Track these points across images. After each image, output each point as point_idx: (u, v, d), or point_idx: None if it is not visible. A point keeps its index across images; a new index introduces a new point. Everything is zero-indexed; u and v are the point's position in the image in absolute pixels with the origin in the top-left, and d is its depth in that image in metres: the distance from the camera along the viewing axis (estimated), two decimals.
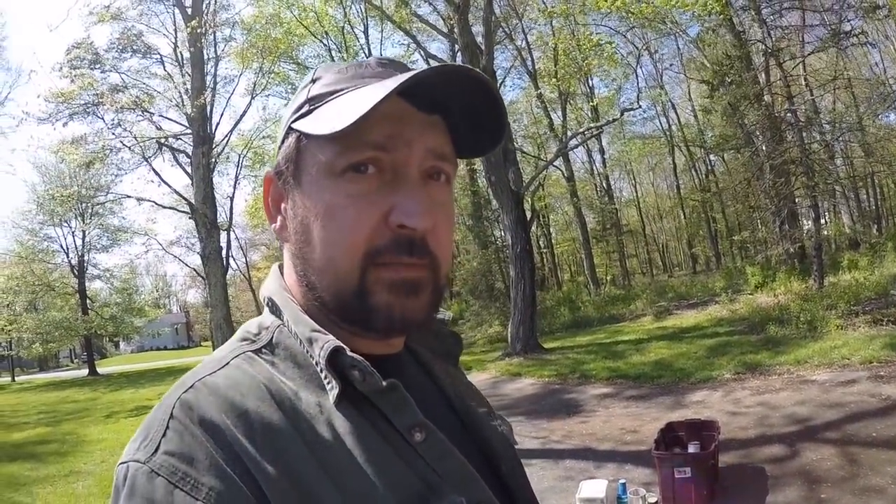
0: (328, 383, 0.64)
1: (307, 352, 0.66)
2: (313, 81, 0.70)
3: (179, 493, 0.54)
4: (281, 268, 0.77)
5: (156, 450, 0.57)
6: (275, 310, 0.71)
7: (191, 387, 0.62)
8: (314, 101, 0.68)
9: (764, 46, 14.44)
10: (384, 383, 0.64)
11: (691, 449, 4.71)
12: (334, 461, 0.60)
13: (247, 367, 0.65)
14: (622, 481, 4.45)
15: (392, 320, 0.65)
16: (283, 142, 0.71)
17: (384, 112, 0.61)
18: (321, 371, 0.64)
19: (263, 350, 0.68)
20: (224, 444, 0.57)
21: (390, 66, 0.70)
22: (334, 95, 0.67)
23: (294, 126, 0.68)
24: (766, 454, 5.26)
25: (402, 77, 0.60)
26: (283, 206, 0.71)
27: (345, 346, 0.64)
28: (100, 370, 31.13)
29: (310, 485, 0.57)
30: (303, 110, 0.69)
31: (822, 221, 17.10)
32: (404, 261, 0.65)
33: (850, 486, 4.26)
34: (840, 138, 15.62)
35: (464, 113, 0.69)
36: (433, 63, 23.13)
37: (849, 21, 14.57)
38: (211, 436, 0.57)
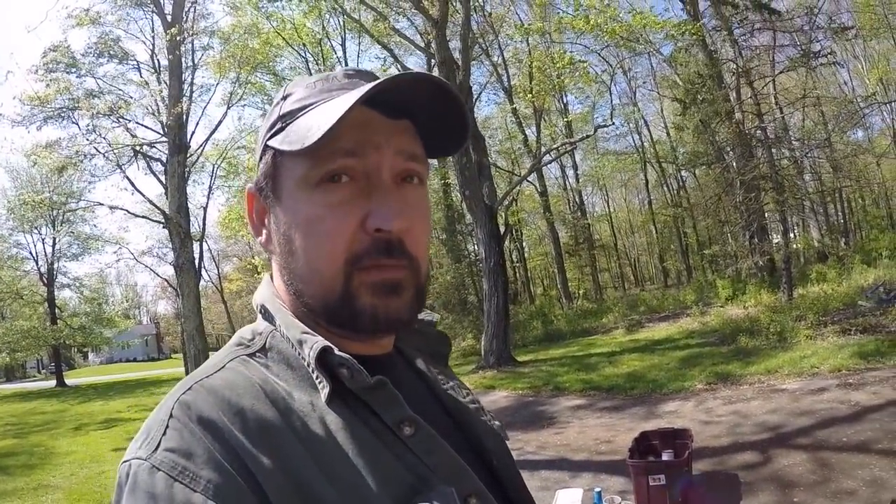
0: (319, 382, 0.66)
1: (298, 354, 0.68)
2: (284, 98, 0.72)
3: (179, 486, 0.56)
4: (272, 277, 0.79)
5: (156, 447, 0.59)
6: (267, 316, 0.74)
7: (189, 388, 0.64)
8: (286, 118, 0.70)
9: (735, 66, 14.76)
10: (372, 380, 0.66)
11: (665, 457, 4.76)
12: (327, 456, 0.62)
13: (242, 370, 0.67)
14: (598, 489, 4.47)
15: (377, 320, 0.68)
16: (261, 158, 0.74)
17: (352, 121, 0.64)
18: (312, 371, 0.67)
19: (257, 354, 0.70)
20: (221, 440, 0.59)
21: (356, 77, 0.73)
22: (305, 111, 0.69)
23: (269, 144, 0.71)
24: (739, 461, 5.35)
25: (365, 88, 0.63)
26: (266, 220, 0.74)
27: (333, 346, 0.66)
28: (68, 381, 30.31)
29: (304, 478, 0.59)
30: (276, 127, 0.71)
31: (791, 235, 17.51)
32: (383, 262, 0.67)
33: (822, 490, 4.35)
34: (809, 155, 15.95)
35: (430, 116, 0.71)
36: None
37: (818, 41, 15.00)
38: (209, 432, 0.59)
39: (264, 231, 0.75)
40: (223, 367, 0.68)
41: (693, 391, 8.36)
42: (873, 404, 6.07)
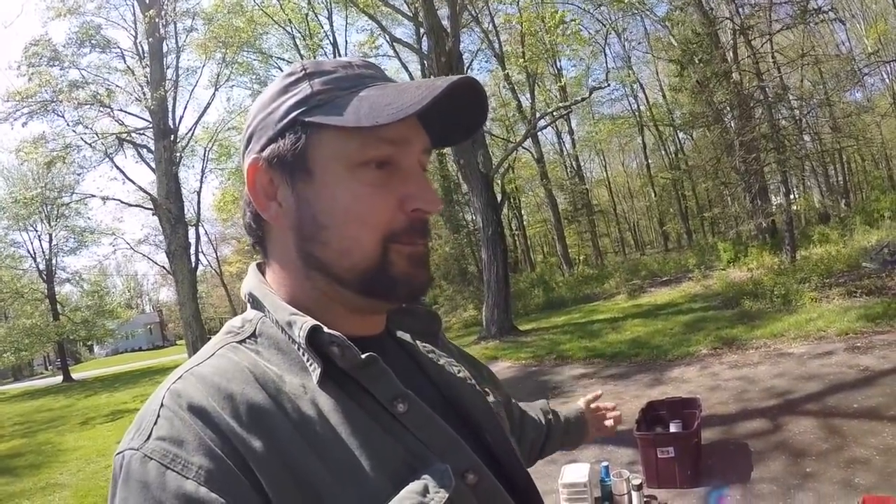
0: (310, 364, 0.68)
1: (288, 336, 0.70)
2: (309, 76, 0.73)
3: (171, 474, 0.57)
4: (259, 266, 0.81)
5: (148, 437, 0.60)
6: (256, 304, 0.76)
7: (179, 377, 0.66)
8: (322, 95, 0.71)
9: (732, 24, 14.45)
10: (363, 356, 0.67)
11: (673, 427, 4.66)
12: (320, 437, 0.63)
13: (231, 356, 0.69)
14: (605, 463, 4.38)
15: (412, 287, 0.73)
16: (281, 134, 0.72)
17: None
18: (303, 353, 0.68)
19: (247, 340, 0.72)
20: (212, 425, 0.60)
21: (372, 68, 0.77)
22: (350, 91, 0.71)
23: (310, 119, 0.71)
24: (748, 429, 5.25)
25: (441, 86, 0.67)
26: (278, 193, 0.74)
27: (322, 325, 0.67)
28: (74, 376, 30.46)
29: (296, 460, 0.61)
30: (312, 103, 0.71)
31: (792, 196, 17.30)
32: (417, 240, 0.73)
33: (834, 459, 4.25)
34: (808, 114, 15.73)
35: (442, 111, 0.73)
36: (398, 47, 22.91)
37: None
38: (199, 419, 0.61)
39: (272, 204, 0.74)
40: (213, 354, 0.70)
41: (698, 356, 8.26)
42: (883, 369, 5.95)
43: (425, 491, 0.64)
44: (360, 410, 0.67)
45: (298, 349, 0.69)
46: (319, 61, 0.76)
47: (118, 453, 0.62)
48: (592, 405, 1.45)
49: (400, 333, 0.86)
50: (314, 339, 0.67)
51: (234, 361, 0.68)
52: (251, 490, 0.58)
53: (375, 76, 0.75)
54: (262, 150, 0.74)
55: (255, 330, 0.73)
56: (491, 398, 0.86)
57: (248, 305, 0.77)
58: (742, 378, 6.78)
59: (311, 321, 0.68)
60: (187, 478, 0.57)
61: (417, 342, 0.86)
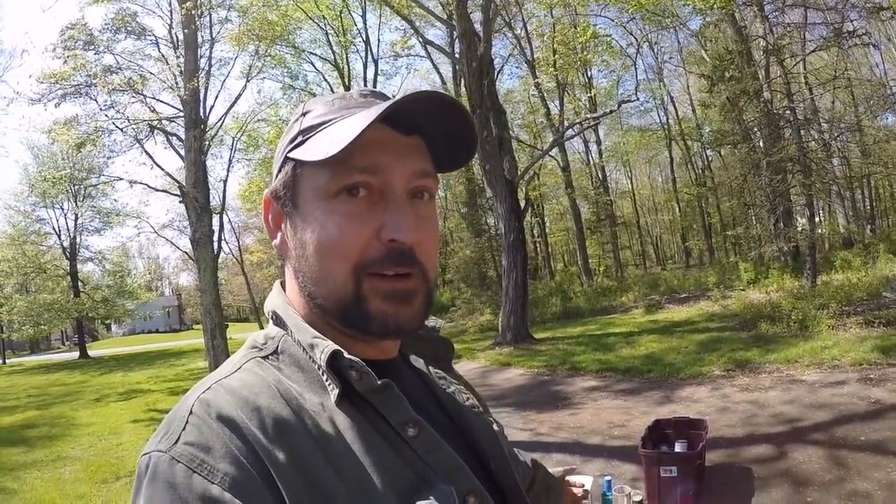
0: (329, 384, 0.71)
1: (309, 357, 0.73)
2: (304, 115, 0.78)
3: (197, 478, 0.60)
4: (282, 284, 0.84)
5: (176, 441, 0.63)
6: (279, 322, 0.79)
7: (208, 388, 0.69)
8: (306, 132, 0.75)
9: (765, 43, 14.33)
10: (379, 382, 0.70)
11: (678, 447, 4.68)
12: (336, 453, 0.66)
13: (258, 371, 0.72)
14: (608, 477, 4.37)
15: (387, 326, 0.73)
16: (280, 169, 0.78)
17: (370, 139, 0.69)
18: (322, 374, 0.72)
19: (270, 357, 0.75)
20: (239, 435, 0.63)
21: (371, 97, 0.79)
22: (324, 126, 0.75)
23: (290, 155, 0.76)
24: (754, 454, 5.24)
25: (382, 106, 0.68)
26: (282, 225, 0.79)
27: (342, 350, 0.70)
28: (91, 353, 30.96)
29: (315, 473, 0.63)
30: (297, 140, 0.76)
31: (817, 220, 17.10)
32: (395, 270, 0.72)
33: (836, 490, 4.23)
34: (838, 138, 15.53)
35: (440, 132, 0.77)
36: (430, 49, 22.98)
37: (851, 21, 14.45)
38: (227, 428, 0.63)
39: (279, 235, 0.80)
40: (240, 368, 0.73)
41: (710, 377, 8.22)
42: (894, 402, 5.90)
43: None
44: (374, 431, 0.70)
45: (318, 369, 0.72)
46: (321, 97, 0.81)
47: (144, 454, 0.65)
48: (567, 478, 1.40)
49: (413, 359, 0.88)
50: (334, 363, 0.70)
51: (260, 376, 0.71)
52: (272, 499, 0.61)
53: (362, 104, 0.77)
54: (272, 183, 0.80)
55: (277, 347, 0.76)
56: (496, 427, 0.88)
57: (271, 322, 0.80)
58: (752, 402, 6.74)
59: (332, 345, 0.71)
60: (213, 482, 0.60)
61: (430, 368, 0.89)
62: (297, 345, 0.75)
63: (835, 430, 5.42)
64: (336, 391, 0.70)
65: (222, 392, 0.68)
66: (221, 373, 0.73)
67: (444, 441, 0.73)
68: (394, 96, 0.76)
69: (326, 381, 0.71)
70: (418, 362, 0.89)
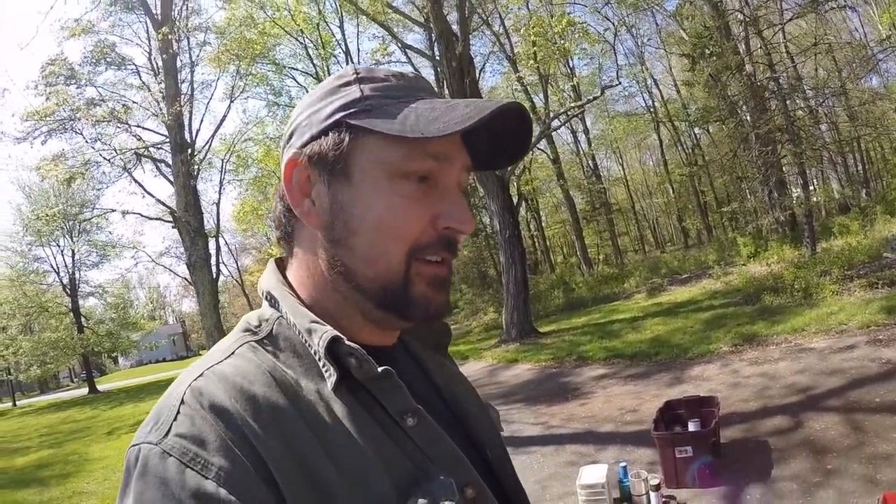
0: (326, 371, 0.68)
1: (305, 342, 0.71)
2: (360, 81, 0.74)
3: (191, 472, 0.58)
4: (278, 262, 0.81)
5: (167, 432, 0.60)
6: (273, 303, 0.76)
7: (200, 375, 0.66)
8: (370, 101, 0.72)
9: (742, 15, 14.30)
10: (379, 370, 0.68)
11: (691, 427, 4.64)
12: (333, 443, 0.64)
13: (251, 356, 0.69)
14: (623, 464, 4.39)
15: (428, 311, 0.73)
16: (326, 132, 0.72)
17: None
18: (319, 360, 0.69)
19: (265, 340, 0.72)
20: (233, 426, 0.61)
21: (422, 81, 0.77)
22: (400, 101, 0.72)
23: (356, 122, 0.71)
24: (769, 426, 5.20)
25: (490, 107, 0.67)
26: (313, 191, 0.74)
27: (342, 336, 0.68)
28: (100, 387, 30.91)
29: (312, 463, 0.62)
30: (360, 107, 0.71)
31: (811, 188, 17.06)
32: (442, 256, 0.73)
33: (856, 455, 4.19)
34: (824, 104, 15.50)
35: (490, 134, 0.76)
36: (410, 54, 23.01)
37: None
38: (220, 419, 0.61)
39: (306, 202, 0.74)
40: (233, 353, 0.70)
41: (719, 354, 8.19)
42: None
43: (429, 503, 0.65)
44: (372, 420, 0.68)
45: (315, 355, 0.70)
46: (372, 68, 0.77)
47: (133, 445, 0.62)
48: None
49: (412, 344, 0.87)
50: (332, 349, 0.68)
51: (254, 362, 0.68)
52: (268, 492, 0.59)
53: (426, 89, 0.76)
54: (304, 146, 0.73)
55: (272, 330, 0.73)
56: (494, 415, 0.88)
57: (266, 303, 0.77)
58: (763, 375, 6.71)
59: (331, 331, 0.69)
60: (207, 478, 0.57)
61: (428, 355, 0.87)
62: (293, 328, 0.72)
63: (849, 395, 5.39)
64: (333, 378, 0.68)
65: (215, 379, 0.65)
66: (213, 358, 0.69)
67: (444, 432, 0.72)
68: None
69: (324, 367, 0.69)
70: (418, 348, 0.87)
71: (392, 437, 0.68)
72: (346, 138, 0.71)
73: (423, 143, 0.69)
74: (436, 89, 0.78)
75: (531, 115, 0.77)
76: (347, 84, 0.74)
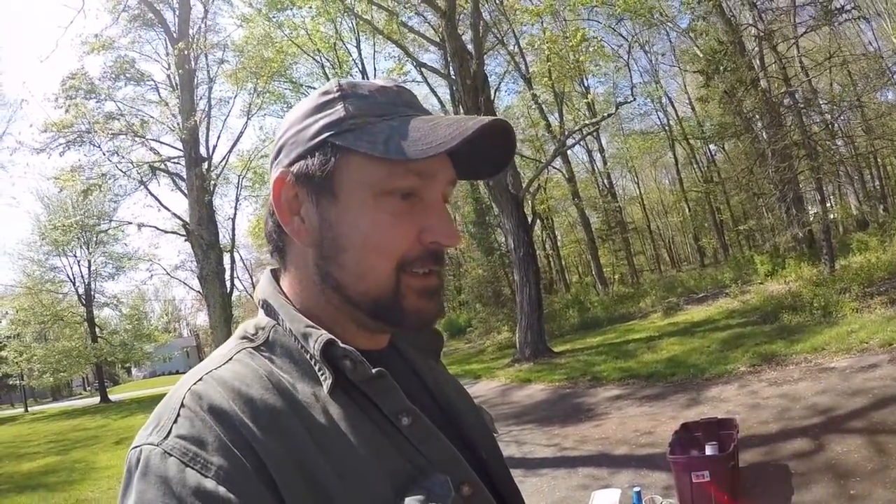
0: (322, 374, 0.70)
1: (302, 347, 0.72)
2: (344, 97, 0.75)
3: (191, 472, 0.59)
4: (273, 273, 0.83)
5: (168, 434, 0.62)
6: (269, 311, 0.78)
7: (199, 379, 0.68)
8: (355, 119, 0.73)
9: (756, 30, 14.23)
10: (373, 371, 0.70)
11: (709, 450, 4.48)
12: (330, 443, 0.66)
13: (249, 361, 0.71)
14: (637, 489, 4.24)
15: (421, 320, 0.76)
16: (312, 152, 0.74)
17: None
18: (315, 364, 0.71)
19: (262, 347, 0.74)
20: (232, 427, 0.62)
21: (405, 94, 0.78)
22: (383, 118, 0.73)
23: (339, 142, 0.73)
24: (790, 449, 5.03)
25: (472, 126, 0.70)
26: (302, 209, 0.76)
27: (336, 339, 0.70)
28: (112, 397, 31.16)
29: (309, 464, 0.63)
30: (343, 126, 0.73)
31: (829, 204, 16.85)
32: (429, 268, 0.75)
33: (881, 479, 4.03)
34: (840, 118, 15.33)
35: (471, 147, 0.74)
36: (426, 73, 23.11)
37: None
38: (219, 421, 0.63)
39: (296, 219, 0.76)
40: (231, 358, 0.72)
41: (736, 374, 8.00)
42: None
43: (426, 500, 0.66)
44: (368, 421, 0.70)
45: (311, 359, 0.71)
46: (355, 82, 0.78)
47: (134, 447, 0.64)
48: None
49: (403, 348, 0.88)
50: (328, 352, 0.70)
51: (252, 367, 0.70)
52: (267, 491, 0.60)
53: (409, 103, 0.77)
54: (291, 164, 0.76)
55: (268, 337, 0.75)
56: (486, 417, 0.91)
57: (262, 311, 0.79)
58: (783, 396, 6.52)
59: (326, 335, 0.71)
60: (207, 476, 0.59)
61: (420, 359, 0.89)
62: (290, 334, 0.74)
63: (872, 416, 5.21)
64: (329, 381, 0.70)
65: (214, 383, 0.67)
66: (212, 363, 0.72)
67: (438, 431, 0.74)
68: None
69: (319, 370, 0.71)
70: (410, 353, 0.88)
71: (388, 437, 0.70)
72: (332, 159, 0.73)
73: (405, 161, 0.70)
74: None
75: (513, 129, 0.77)
76: (332, 101, 0.76)
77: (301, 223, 0.76)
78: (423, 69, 22.61)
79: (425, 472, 0.69)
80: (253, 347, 0.74)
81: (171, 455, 0.60)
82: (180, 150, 16.48)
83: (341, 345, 0.70)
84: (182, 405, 0.64)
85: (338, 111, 0.74)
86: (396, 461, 0.69)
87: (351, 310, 0.75)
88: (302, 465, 0.63)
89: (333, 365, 0.70)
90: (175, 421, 0.63)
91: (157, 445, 0.61)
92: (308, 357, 0.72)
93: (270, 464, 0.61)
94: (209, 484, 0.59)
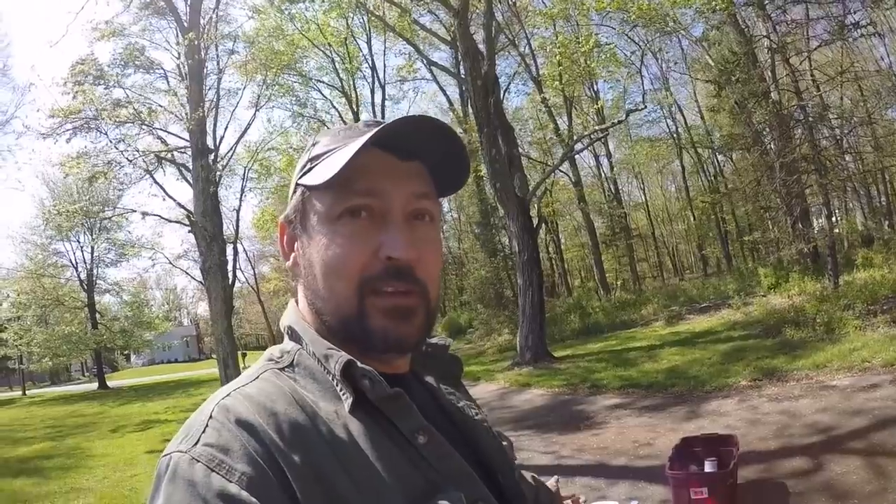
0: (343, 393, 0.74)
1: (324, 368, 0.76)
2: (313, 145, 0.83)
3: (216, 477, 0.63)
4: (297, 301, 0.87)
5: (196, 442, 0.66)
6: (294, 336, 0.82)
7: (227, 395, 0.72)
8: (314, 160, 0.81)
9: (769, 42, 14.17)
10: (391, 391, 0.74)
11: (708, 466, 4.44)
12: (350, 458, 0.69)
13: (274, 380, 0.75)
14: (634, 502, 4.23)
15: (388, 341, 0.76)
16: (292, 195, 0.84)
17: (370, 165, 0.76)
18: (336, 383, 0.75)
19: (286, 369, 0.78)
20: (257, 438, 0.66)
21: (374, 125, 0.79)
22: (329, 153, 0.79)
23: (299, 182, 0.82)
24: (788, 468, 4.99)
25: (371, 132, 0.73)
26: (295, 247, 0.83)
27: (356, 360, 0.74)
28: (110, 383, 31.23)
29: (328, 476, 0.66)
30: (306, 168, 0.82)
31: (835, 219, 16.79)
32: (393, 286, 0.76)
33: (879, 502, 4.00)
34: (850, 134, 15.26)
35: (440, 156, 0.81)
36: (436, 71, 23.10)
37: (853, 13, 14.25)
38: (245, 432, 0.66)
39: (292, 256, 0.84)
40: (257, 377, 0.76)
41: (737, 388, 7.97)
42: None
43: None
44: (386, 438, 0.72)
45: (332, 379, 0.75)
46: (328, 130, 0.87)
47: (165, 455, 0.67)
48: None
49: (422, 374, 0.90)
50: (348, 372, 0.74)
51: (277, 385, 0.74)
52: (287, 499, 0.63)
53: (369, 123, 0.81)
54: (286, 211, 0.85)
55: (293, 360, 0.79)
56: (505, 443, 0.91)
57: (287, 337, 0.84)
58: (783, 412, 6.49)
59: (346, 356, 0.74)
60: (231, 481, 0.62)
61: (439, 384, 0.90)
62: (312, 356, 0.78)
63: (872, 437, 5.18)
64: (349, 399, 0.73)
65: (241, 399, 0.71)
66: (240, 382, 0.76)
67: (454, 450, 0.76)
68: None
69: (340, 390, 0.74)
70: (429, 379, 0.90)
71: (405, 454, 0.72)
72: (301, 200, 0.82)
73: (347, 183, 0.75)
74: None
75: (438, 120, 0.79)
76: (307, 149, 0.84)
77: (295, 262, 0.84)
78: (433, 67, 22.61)
79: (440, 489, 0.71)
80: (278, 368, 0.78)
81: (198, 461, 0.64)
82: (187, 140, 16.44)
83: (360, 365, 0.73)
84: (211, 417, 0.68)
85: (305, 156, 0.83)
86: (413, 477, 0.71)
87: (333, 334, 0.79)
88: (322, 479, 0.66)
89: (353, 384, 0.73)
90: (203, 431, 0.67)
91: (186, 452, 0.65)
92: (330, 377, 0.76)
93: (293, 475, 0.64)
94: (233, 488, 0.62)
